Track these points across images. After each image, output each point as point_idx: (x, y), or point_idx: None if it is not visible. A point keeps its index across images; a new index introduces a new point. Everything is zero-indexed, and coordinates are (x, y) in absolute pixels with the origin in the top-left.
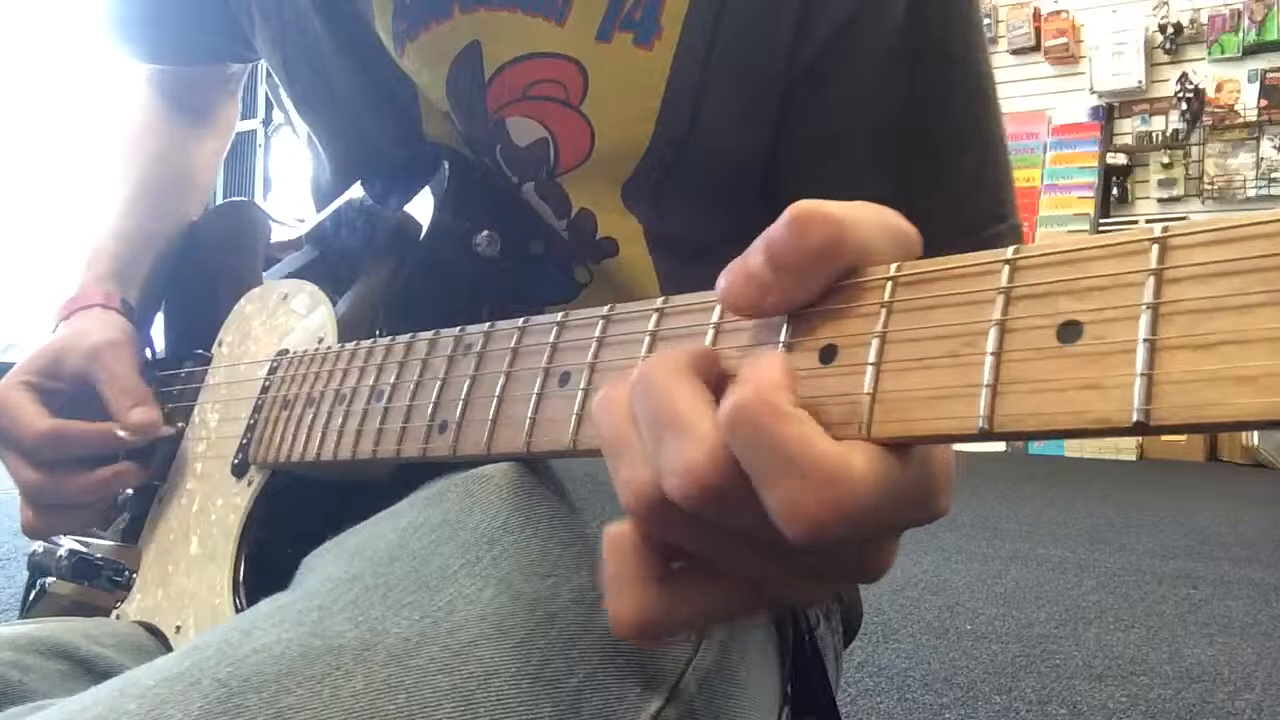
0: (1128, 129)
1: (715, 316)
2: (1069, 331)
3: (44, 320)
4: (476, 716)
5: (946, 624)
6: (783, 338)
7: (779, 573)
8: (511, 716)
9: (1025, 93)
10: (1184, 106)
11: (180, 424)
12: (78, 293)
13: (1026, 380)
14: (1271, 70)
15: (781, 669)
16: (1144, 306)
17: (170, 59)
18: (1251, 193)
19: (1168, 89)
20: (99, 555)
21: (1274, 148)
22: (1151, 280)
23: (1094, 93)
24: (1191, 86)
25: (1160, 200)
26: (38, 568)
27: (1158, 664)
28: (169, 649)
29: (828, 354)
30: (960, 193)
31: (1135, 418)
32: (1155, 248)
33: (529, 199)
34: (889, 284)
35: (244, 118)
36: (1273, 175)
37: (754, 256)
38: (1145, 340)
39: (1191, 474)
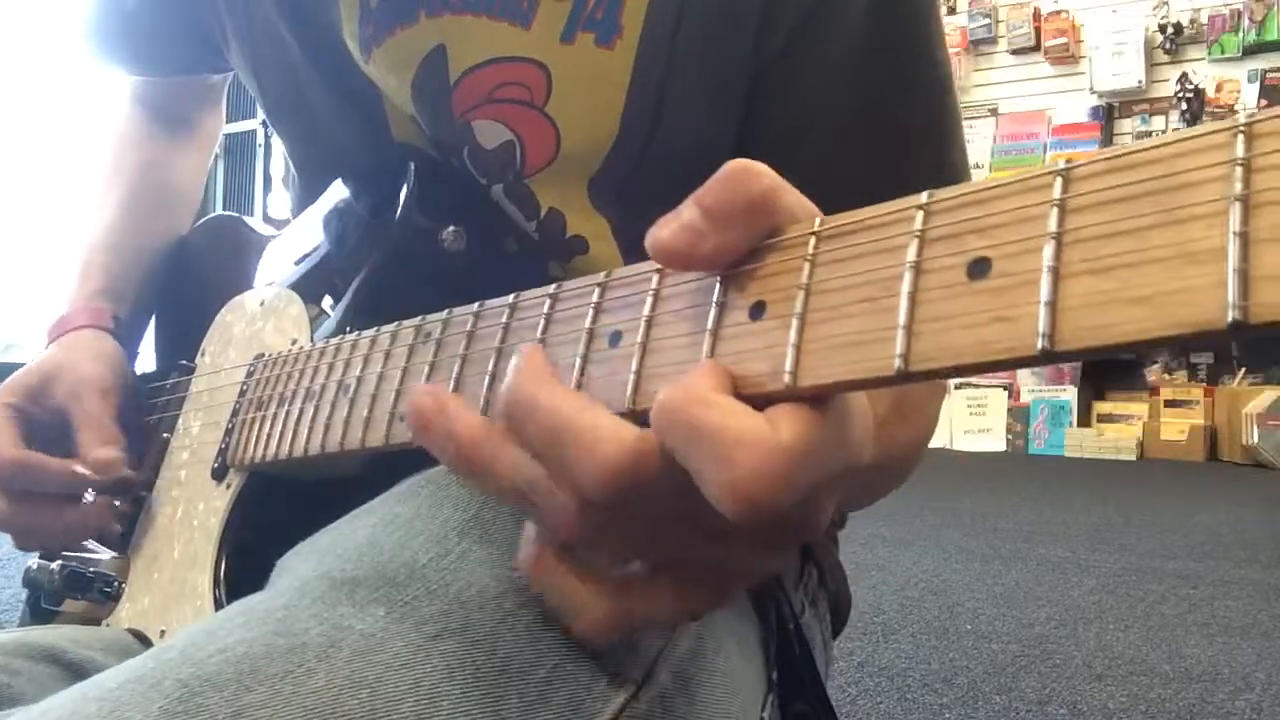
0: (1128, 129)
1: (654, 284)
2: (978, 268)
3: (40, 332)
4: (439, 711)
5: (946, 624)
6: (715, 298)
7: (721, 553)
8: (476, 710)
9: (1025, 93)
10: (1184, 106)
11: (165, 434)
12: (69, 311)
13: (939, 319)
14: (1271, 70)
15: (765, 658)
16: (1047, 237)
17: (149, 70)
18: None
19: (1168, 89)
20: (91, 569)
21: None
22: (1055, 211)
23: (1094, 93)
24: (1191, 86)
25: None
26: (33, 583)
27: (1158, 664)
28: None
29: (757, 310)
30: (923, 177)
31: (1040, 344)
32: (1059, 180)
33: (499, 200)
34: (812, 239)
35: (244, 118)
36: None
37: (687, 209)
38: (1048, 269)
39: (1191, 474)
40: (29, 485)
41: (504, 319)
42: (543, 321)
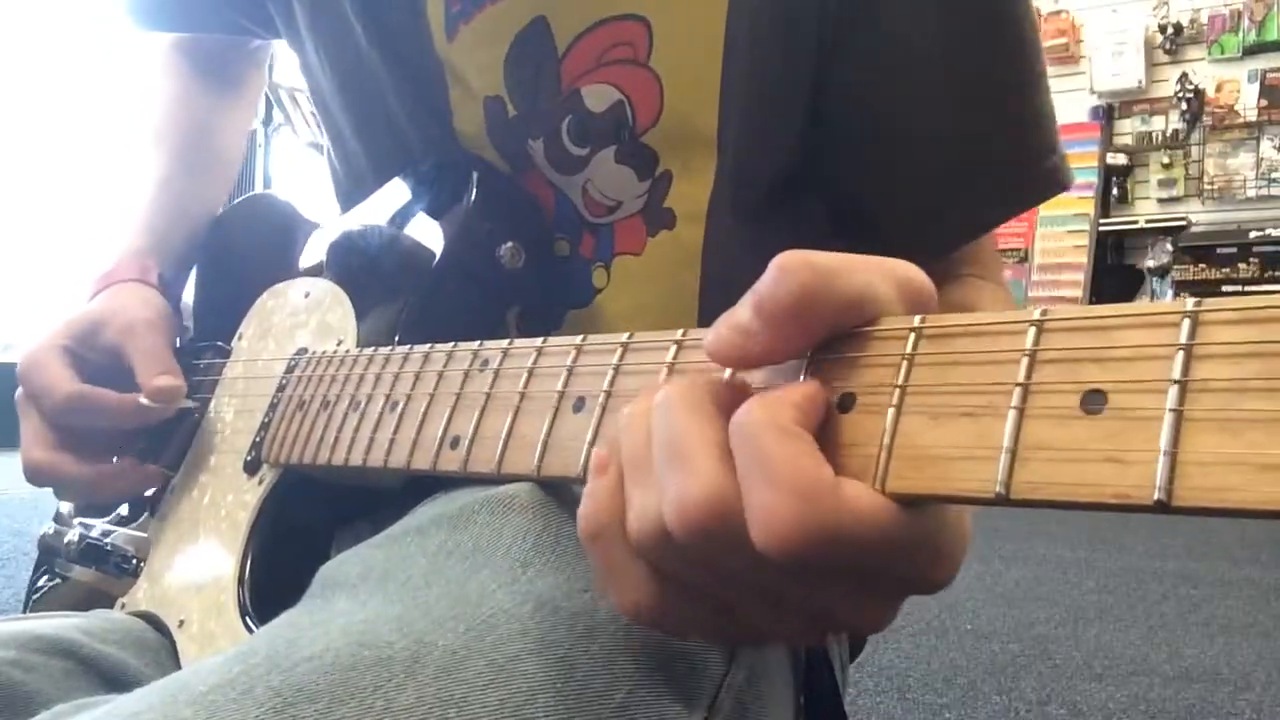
0: (1128, 129)
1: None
2: (1093, 400)
3: (80, 291)
4: None
5: (946, 624)
6: (800, 380)
7: (767, 611)
8: None
9: None
10: (1184, 106)
11: (196, 415)
12: (115, 265)
13: (1048, 447)
14: (1271, 70)
15: (795, 681)
16: (1171, 382)
17: (186, 28)
18: (1251, 193)
19: (1168, 89)
20: (108, 542)
21: (1274, 148)
22: (1180, 355)
23: (1094, 93)
24: (1191, 86)
25: (1160, 200)
26: (48, 549)
27: (1158, 664)
28: (172, 643)
29: (845, 402)
30: (1017, 125)
31: (1157, 496)
32: (1186, 322)
33: (593, 174)
34: (911, 336)
35: None
36: (1273, 175)
37: (743, 306)
38: (1171, 417)
39: None
40: (86, 421)
41: (568, 361)
42: (611, 373)
